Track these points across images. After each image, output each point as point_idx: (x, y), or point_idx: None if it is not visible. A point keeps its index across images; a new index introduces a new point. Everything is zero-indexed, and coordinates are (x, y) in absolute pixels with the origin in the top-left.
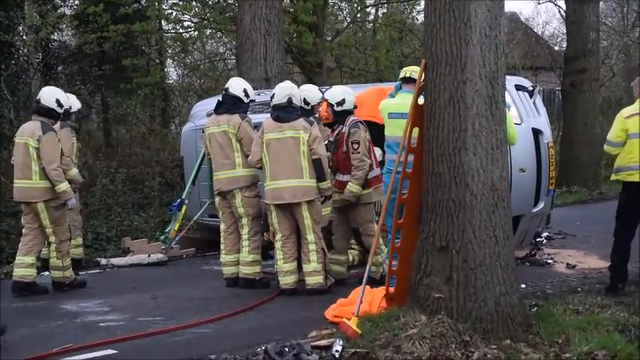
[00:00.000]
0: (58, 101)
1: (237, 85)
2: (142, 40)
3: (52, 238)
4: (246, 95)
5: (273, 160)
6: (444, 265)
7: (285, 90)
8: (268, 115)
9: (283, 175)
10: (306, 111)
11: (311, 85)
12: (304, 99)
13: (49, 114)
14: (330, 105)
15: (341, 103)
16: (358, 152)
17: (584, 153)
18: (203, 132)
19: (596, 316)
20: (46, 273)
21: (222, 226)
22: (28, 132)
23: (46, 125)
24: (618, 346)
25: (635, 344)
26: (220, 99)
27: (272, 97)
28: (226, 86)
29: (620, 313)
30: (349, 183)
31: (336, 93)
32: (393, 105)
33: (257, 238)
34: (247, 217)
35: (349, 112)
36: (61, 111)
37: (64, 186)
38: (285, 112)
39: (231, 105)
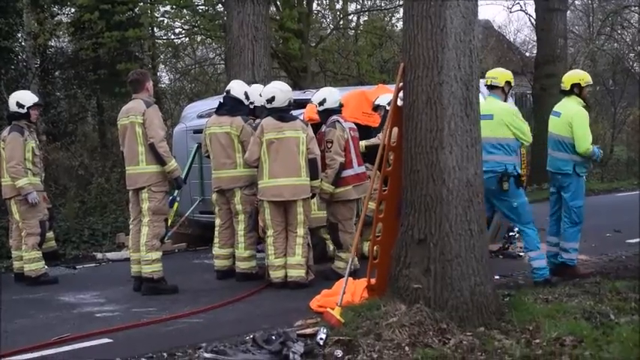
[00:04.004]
0: (18, 103)
1: (238, 88)
2: (136, 47)
3: (22, 233)
4: (247, 97)
5: (272, 158)
6: (422, 258)
7: (287, 94)
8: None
9: (283, 174)
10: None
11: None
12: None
13: (14, 116)
14: (316, 106)
15: (322, 102)
16: (330, 151)
17: None
18: (201, 132)
19: (565, 305)
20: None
21: (218, 221)
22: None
23: (14, 127)
24: (585, 332)
25: (601, 330)
26: (222, 100)
27: (272, 99)
28: (227, 88)
29: (587, 302)
30: (322, 181)
31: (318, 94)
32: (487, 106)
33: (252, 235)
34: (244, 214)
35: (332, 112)
36: (23, 111)
37: (21, 182)
38: (286, 113)
39: (232, 107)
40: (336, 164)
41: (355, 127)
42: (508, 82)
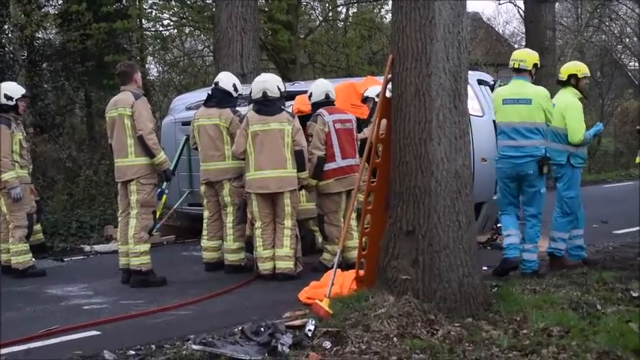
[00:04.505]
0: (6, 95)
1: (226, 80)
2: (124, 38)
3: (10, 225)
4: (235, 89)
5: (257, 151)
6: (410, 249)
7: (259, 85)
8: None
9: (268, 166)
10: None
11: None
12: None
13: (1, 109)
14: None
15: (309, 96)
16: (309, 145)
17: None
18: (190, 124)
19: (552, 295)
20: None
21: (207, 214)
22: None
23: (0, 119)
24: (572, 322)
25: (587, 320)
26: (210, 92)
27: (250, 91)
28: (216, 80)
29: (574, 292)
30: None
31: (310, 87)
32: (506, 91)
33: (241, 227)
34: (233, 206)
35: (320, 104)
36: (12, 103)
37: (6, 176)
38: (265, 106)
39: (221, 99)
40: (313, 158)
41: (350, 118)
42: (535, 65)
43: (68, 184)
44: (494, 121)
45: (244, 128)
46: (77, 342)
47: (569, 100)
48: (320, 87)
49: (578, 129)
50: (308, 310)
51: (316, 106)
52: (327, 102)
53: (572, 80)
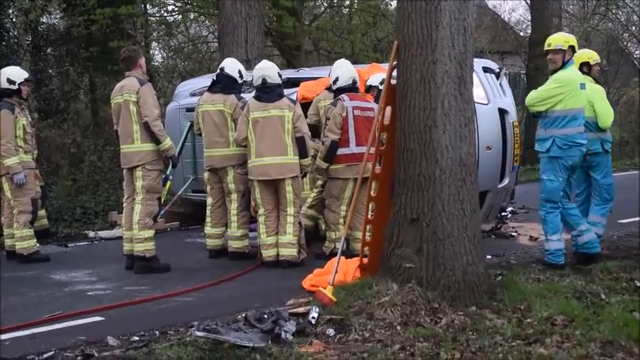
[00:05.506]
0: (9, 79)
1: (232, 66)
2: (128, 24)
3: (14, 210)
4: (241, 76)
5: (258, 137)
6: (414, 237)
7: (258, 71)
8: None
9: (269, 152)
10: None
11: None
12: None
13: (4, 93)
14: (331, 85)
15: (335, 81)
16: (325, 128)
17: None
18: (194, 110)
19: (556, 285)
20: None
21: (210, 200)
22: None
23: (4, 104)
24: (575, 312)
25: (592, 309)
26: (215, 78)
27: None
28: (221, 66)
29: (578, 282)
30: (318, 157)
31: (333, 72)
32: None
33: (245, 214)
34: (237, 193)
35: (344, 90)
36: (15, 87)
37: (9, 161)
38: (265, 93)
39: (226, 85)
40: (327, 141)
41: (371, 107)
42: None
43: (72, 169)
44: (499, 109)
45: (245, 115)
46: (81, 327)
47: (593, 87)
48: (347, 73)
49: (610, 113)
50: (311, 297)
51: (340, 91)
52: (353, 88)
53: (585, 68)
